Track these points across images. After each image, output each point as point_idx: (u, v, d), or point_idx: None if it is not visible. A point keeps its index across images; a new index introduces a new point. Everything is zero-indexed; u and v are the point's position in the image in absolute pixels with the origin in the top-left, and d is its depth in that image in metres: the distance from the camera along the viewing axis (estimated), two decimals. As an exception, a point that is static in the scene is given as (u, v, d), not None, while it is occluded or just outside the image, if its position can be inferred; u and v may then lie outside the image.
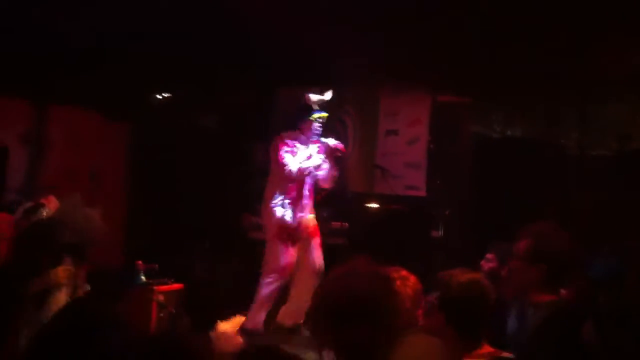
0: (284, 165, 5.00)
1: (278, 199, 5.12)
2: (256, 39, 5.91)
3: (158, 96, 8.01)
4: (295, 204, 5.13)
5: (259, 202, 6.58)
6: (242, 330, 4.81)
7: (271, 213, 5.14)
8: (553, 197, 6.21)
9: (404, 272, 2.72)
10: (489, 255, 3.70)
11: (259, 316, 5.11)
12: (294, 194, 5.12)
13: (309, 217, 5.23)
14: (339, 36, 5.61)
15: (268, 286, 5.10)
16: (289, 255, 5.08)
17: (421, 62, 6.16)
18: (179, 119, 7.92)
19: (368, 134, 7.05)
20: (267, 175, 6.70)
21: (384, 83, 6.99)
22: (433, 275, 2.65)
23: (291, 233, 5.10)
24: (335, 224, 5.93)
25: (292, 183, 5.11)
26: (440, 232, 6.04)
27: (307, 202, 5.22)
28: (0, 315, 3.06)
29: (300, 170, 5.01)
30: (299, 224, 5.14)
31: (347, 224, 6.10)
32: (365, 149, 7.01)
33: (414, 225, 6.25)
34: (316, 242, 5.19)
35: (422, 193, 6.60)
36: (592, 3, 4.92)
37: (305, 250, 5.14)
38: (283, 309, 5.22)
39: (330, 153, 5.16)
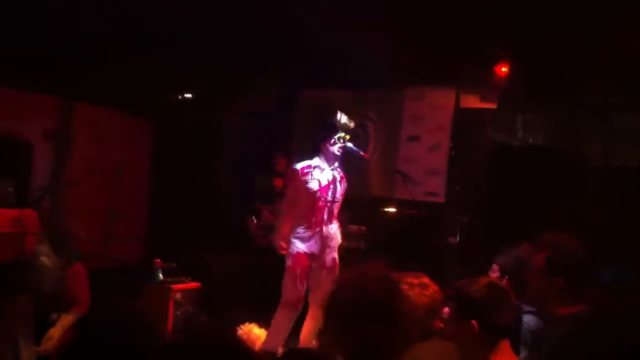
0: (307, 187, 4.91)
1: (298, 231, 4.97)
2: (279, 41, 5.95)
3: (181, 94, 8.10)
4: (315, 234, 4.96)
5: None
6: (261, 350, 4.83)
7: (291, 245, 4.99)
8: (574, 208, 6.16)
9: (425, 280, 2.67)
10: (494, 266, 3.67)
11: (276, 341, 4.97)
12: (314, 223, 4.95)
13: (334, 244, 5.06)
14: (362, 39, 5.63)
15: (283, 316, 4.98)
16: (298, 291, 4.93)
17: (445, 66, 6.17)
18: (202, 116, 8.00)
19: (390, 139, 7.05)
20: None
21: (408, 88, 7.01)
22: (450, 282, 2.65)
23: (308, 266, 4.95)
24: (353, 228, 5.93)
25: (312, 206, 4.94)
26: (457, 239, 6.02)
27: (329, 230, 5.02)
28: None
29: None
30: (317, 256, 4.98)
31: (364, 227, 6.11)
32: (386, 155, 7.01)
33: (432, 232, 6.25)
34: (331, 278, 4.91)
35: (441, 199, 6.60)
36: (617, 11, 4.89)
37: (318, 285, 4.96)
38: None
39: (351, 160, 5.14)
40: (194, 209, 7.59)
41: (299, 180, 4.91)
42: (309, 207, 4.93)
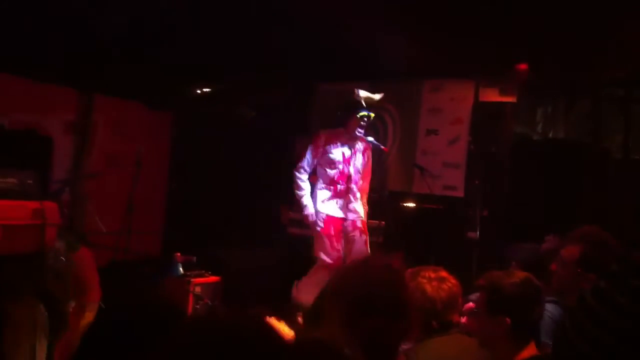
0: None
1: (324, 195, 5.09)
2: (297, 32, 5.93)
3: (200, 87, 8.12)
4: (343, 198, 5.08)
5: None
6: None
7: (319, 212, 5.12)
8: (594, 201, 6.10)
9: (443, 273, 2.65)
10: (513, 264, 3.65)
11: (310, 292, 5.07)
12: (340, 188, 5.08)
13: (358, 211, 5.18)
14: (380, 31, 5.60)
15: (320, 273, 5.05)
16: (336, 251, 5.03)
17: (464, 58, 6.13)
18: (220, 110, 8.01)
19: (408, 133, 7.02)
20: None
21: (426, 80, 6.97)
22: (469, 276, 2.63)
23: (337, 229, 5.06)
24: (372, 222, 5.93)
25: (337, 173, 5.07)
26: (477, 234, 5.98)
27: (356, 196, 5.16)
28: None
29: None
30: (346, 219, 5.10)
31: (383, 222, 6.10)
32: (405, 148, 6.98)
33: (451, 226, 6.22)
34: (362, 238, 5.11)
35: (460, 193, 6.56)
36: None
37: (350, 248, 5.07)
38: None
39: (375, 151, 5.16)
40: (212, 203, 7.62)
41: (322, 146, 4.95)
42: (334, 177, 4.98)
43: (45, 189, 5.76)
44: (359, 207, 5.20)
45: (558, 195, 6.09)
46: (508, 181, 6.41)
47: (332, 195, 5.08)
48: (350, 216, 5.15)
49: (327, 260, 5.05)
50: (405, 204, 6.48)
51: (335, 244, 5.06)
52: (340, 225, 5.11)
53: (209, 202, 7.67)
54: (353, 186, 5.11)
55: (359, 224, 5.17)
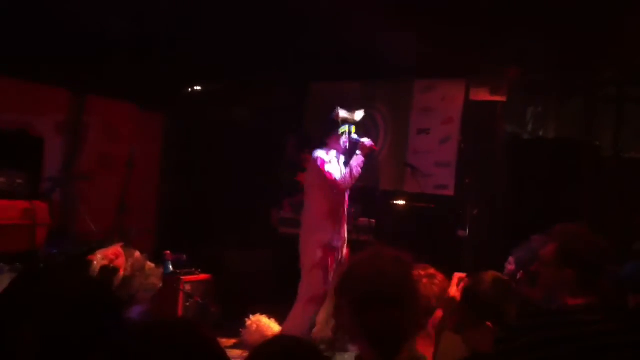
0: (333, 179, 4.80)
1: (328, 223, 4.89)
2: (290, 33, 5.94)
3: (192, 88, 8.11)
4: (341, 224, 4.94)
5: (286, 195, 6.65)
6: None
7: (315, 240, 4.90)
8: (585, 200, 6.13)
9: (431, 270, 2.70)
10: (510, 259, 3.68)
11: (299, 333, 4.79)
12: (341, 214, 4.93)
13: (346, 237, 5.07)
14: (372, 31, 5.61)
15: (309, 312, 4.92)
16: (329, 282, 4.82)
17: (455, 57, 6.15)
18: (213, 111, 8.01)
19: (399, 132, 7.04)
20: (297, 169, 6.76)
21: (417, 80, 6.99)
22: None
23: (333, 257, 4.90)
24: (363, 221, 5.93)
25: (340, 197, 4.91)
26: (466, 232, 6.00)
27: (346, 219, 5.04)
28: None
29: (351, 174, 4.82)
30: (340, 248, 4.95)
31: (374, 220, 6.10)
32: (396, 147, 7.00)
33: (441, 224, 6.24)
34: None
35: (451, 192, 6.58)
36: (631, 1, 4.85)
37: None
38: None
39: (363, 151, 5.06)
40: (205, 203, 7.61)
41: (324, 167, 4.87)
42: (337, 200, 4.91)
43: (36, 189, 5.75)
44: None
45: (549, 193, 6.12)
46: (499, 180, 6.43)
47: (335, 219, 4.95)
48: (341, 243, 5.00)
49: (320, 291, 4.86)
50: (396, 203, 6.50)
51: (328, 277, 4.82)
52: (335, 255, 4.90)
53: (201, 202, 7.66)
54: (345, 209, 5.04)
55: (346, 254, 5.00)
